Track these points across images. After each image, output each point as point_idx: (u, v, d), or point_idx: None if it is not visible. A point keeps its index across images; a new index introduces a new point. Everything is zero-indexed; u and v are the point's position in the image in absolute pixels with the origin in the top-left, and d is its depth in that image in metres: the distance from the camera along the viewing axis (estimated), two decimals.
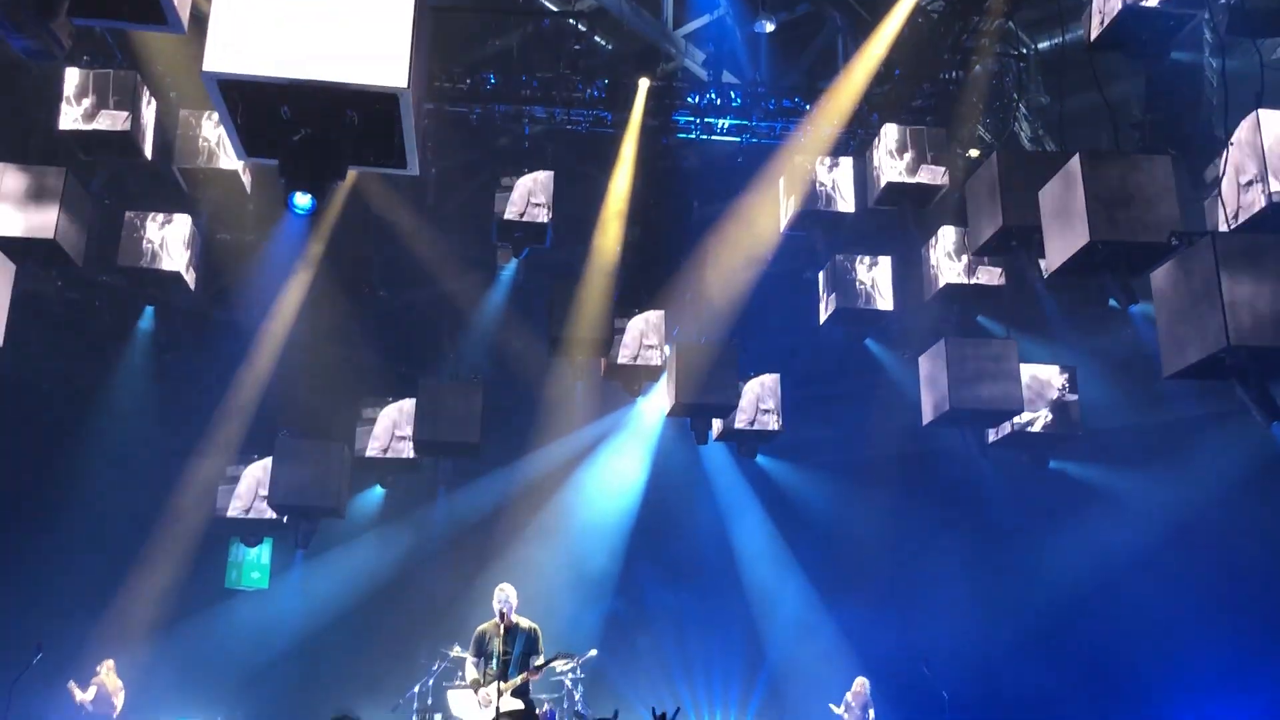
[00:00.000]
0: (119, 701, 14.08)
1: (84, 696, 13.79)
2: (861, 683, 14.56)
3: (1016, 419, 12.20)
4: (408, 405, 13.41)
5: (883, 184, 11.65)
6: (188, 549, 15.03)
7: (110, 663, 14.20)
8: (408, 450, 13.46)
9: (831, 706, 14.65)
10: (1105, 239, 8.42)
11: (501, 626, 9.02)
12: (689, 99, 12.66)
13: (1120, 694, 14.21)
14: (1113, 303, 10.38)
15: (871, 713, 14.26)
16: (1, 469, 14.50)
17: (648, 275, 13.48)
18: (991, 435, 12.89)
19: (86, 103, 10.55)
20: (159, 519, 14.91)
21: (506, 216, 12.02)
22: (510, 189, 12.13)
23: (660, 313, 13.05)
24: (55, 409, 15.09)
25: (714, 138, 13.03)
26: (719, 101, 12.69)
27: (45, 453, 14.92)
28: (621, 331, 12.83)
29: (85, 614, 14.51)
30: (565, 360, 13.37)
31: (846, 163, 12.33)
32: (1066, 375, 12.66)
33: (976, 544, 15.97)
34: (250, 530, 14.12)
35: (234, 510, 13.58)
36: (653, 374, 13.27)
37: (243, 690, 15.21)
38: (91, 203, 10.53)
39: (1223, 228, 8.36)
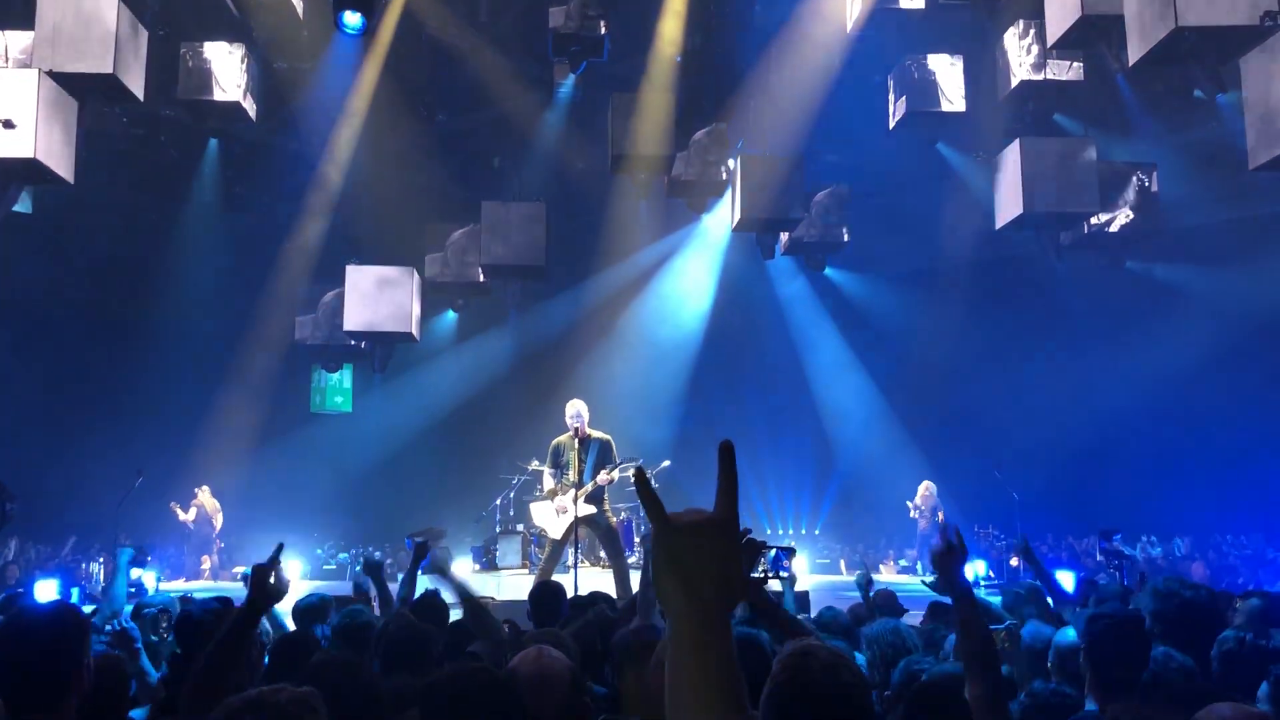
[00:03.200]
0: (218, 522, 14.98)
1: (186, 516, 14.68)
2: (927, 485, 14.90)
3: (1093, 219, 11.88)
4: (473, 230, 13.45)
5: None
6: (271, 376, 15.56)
7: (206, 487, 15.03)
8: (475, 274, 13.58)
9: (908, 503, 15.08)
10: (1193, 24, 7.98)
11: (576, 439, 9.30)
12: None
13: (1192, 493, 14.27)
14: (1198, 93, 9.89)
15: (940, 514, 14.62)
16: (82, 307, 15.00)
17: (710, 86, 13.10)
18: (1067, 238, 12.58)
19: None
20: (241, 348, 15.40)
21: (562, 29, 11.66)
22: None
23: (723, 125, 12.73)
24: (130, 245, 15.44)
25: None
26: None
27: (123, 289, 15.36)
28: (684, 146, 12.58)
29: (179, 439, 15.22)
30: (628, 178, 13.20)
31: None
32: (1147, 171, 12.21)
33: (1050, 349, 15.86)
34: (329, 356, 14.54)
35: (311, 337, 13.95)
36: (717, 189, 13.05)
37: (332, 507, 15.99)
38: (147, 35, 10.44)
39: None
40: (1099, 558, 10.41)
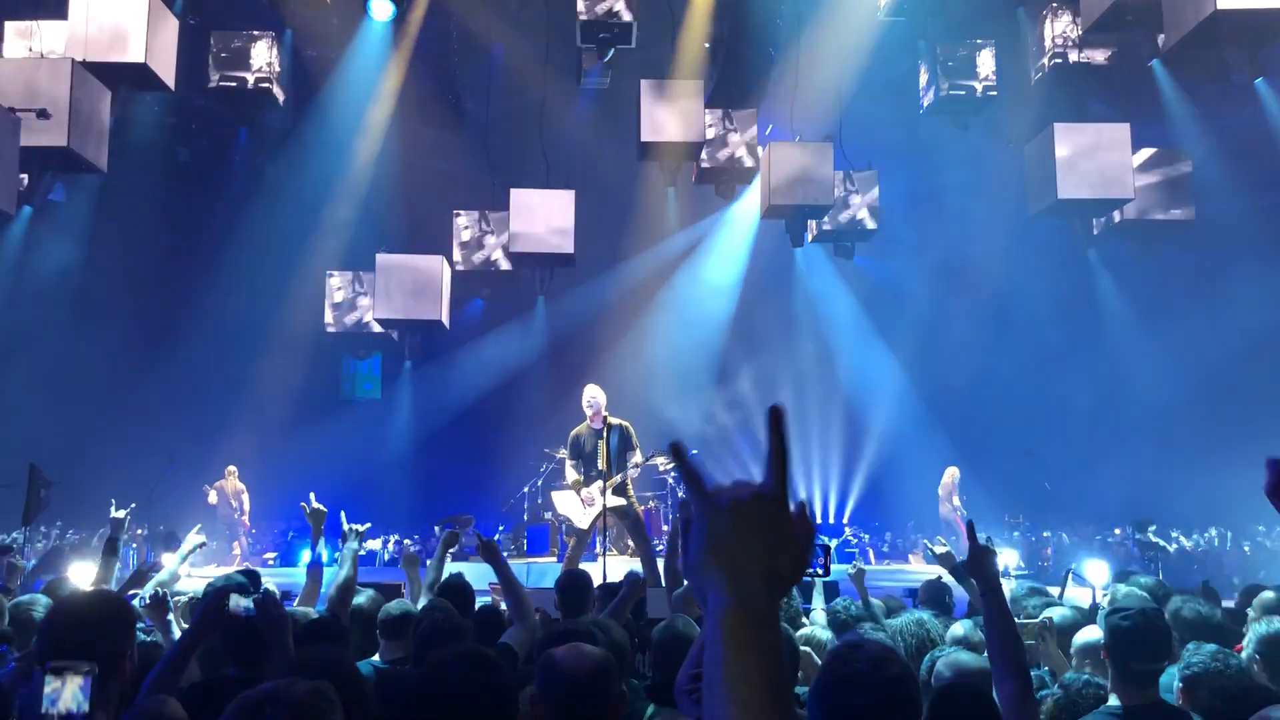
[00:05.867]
0: (242, 503, 15.09)
1: (211, 500, 14.84)
2: (950, 472, 14.78)
3: (1127, 205, 11.73)
4: (501, 217, 13.44)
5: None
6: (302, 362, 15.65)
7: (233, 468, 15.15)
8: (504, 262, 13.57)
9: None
10: (1232, 7, 7.85)
11: (594, 427, 9.29)
12: None
13: (1228, 482, 14.08)
14: (1236, 77, 9.72)
15: (956, 499, 14.48)
16: (113, 296, 15.12)
17: (738, 73, 13.01)
18: (1099, 225, 12.43)
19: None
20: (271, 335, 15.49)
21: (587, 15, 11.60)
22: None
23: (752, 111, 12.66)
24: (161, 233, 15.55)
25: None
26: None
27: (154, 277, 15.48)
28: (712, 133, 12.51)
29: (211, 426, 15.33)
30: (656, 165, 13.15)
31: None
32: (1182, 158, 12.03)
33: (1080, 339, 15.70)
34: (359, 344, 14.58)
35: (341, 324, 14.02)
36: (745, 176, 12.98)
37: (361, 493, 16.04)
38: (177, 24, 10.50)
39: None
40: (1134, 549, 10.32)
